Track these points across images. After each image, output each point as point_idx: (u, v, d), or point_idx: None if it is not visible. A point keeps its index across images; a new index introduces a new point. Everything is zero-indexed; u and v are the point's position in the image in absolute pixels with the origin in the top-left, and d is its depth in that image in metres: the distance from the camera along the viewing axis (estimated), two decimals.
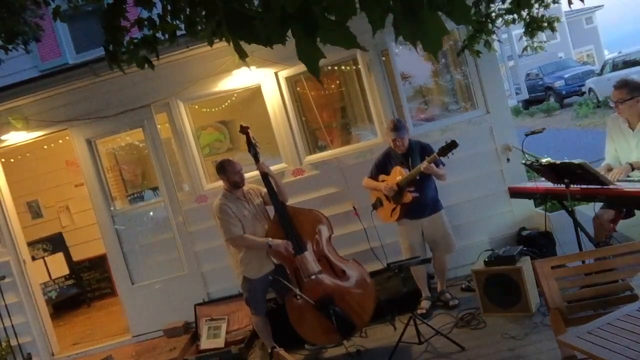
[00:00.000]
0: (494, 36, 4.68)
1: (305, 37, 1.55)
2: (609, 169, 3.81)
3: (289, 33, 1.63)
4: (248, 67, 4.67)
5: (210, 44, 2.96)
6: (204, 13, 2.58)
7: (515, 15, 4.41)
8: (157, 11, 3.00)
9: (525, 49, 4.67)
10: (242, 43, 1.85)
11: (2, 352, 5.22)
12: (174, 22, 2.96)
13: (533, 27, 4.41)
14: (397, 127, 4.24)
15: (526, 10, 4.30)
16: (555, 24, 4.40)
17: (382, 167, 4.42)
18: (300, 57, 1.60)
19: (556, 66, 20.48)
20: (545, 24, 4.36)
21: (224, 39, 2.59)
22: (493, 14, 4.48)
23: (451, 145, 3.95)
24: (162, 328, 5.28)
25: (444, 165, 4.26)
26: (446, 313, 4.34)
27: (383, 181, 4.36)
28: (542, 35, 4.58)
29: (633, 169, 3.65)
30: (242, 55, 1.92)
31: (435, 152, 4.05)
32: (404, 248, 4.41)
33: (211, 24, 2.61)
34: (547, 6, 4.28)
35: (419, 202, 4.22)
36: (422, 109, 5.80)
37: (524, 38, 4.55)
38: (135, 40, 3.11)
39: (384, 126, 4.92)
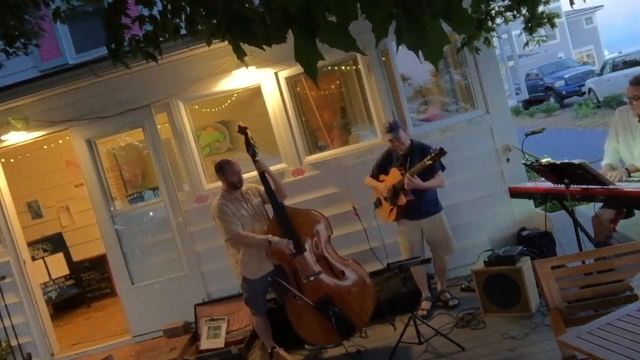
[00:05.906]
0: (493, 33, 4.67)
1: (305, 38, 1.55)
2: (612, 169, 3.81)
3: (289, 33, 1.62)
4: (247, 67, 4.67)
5: (209, 44, 2.96)
6: (204, 13, 2.59)
7: (515, 12, 4.41)
8: (158, 9, 3.01)
9: (526, 43, 4.65)
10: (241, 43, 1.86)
11: (2, 352, 5.22)
12: (175, 21, 2.97)
13: (532, 23, 4.41)
14: (391, 127, 4.22)
15: (525, 7, 4.29)
16: (555, 20, 4.39)
17: (383, 166, 4.43)
18: (298, 59, 1.59)
19: (556, 66, 20.52)
20: (545, 20, 4.36)
21: (223, 39, 2.60)
22: (493, 12, 4.47)
23: (439, 154, 3.91)
24: (162, 328, 5.28)
25: (443, 169, 4.24)
26: (446, 313, 4.34)
27: (382, 181, 4.36)
28: (542, 31, 4.58)
29: (629, 174, 3.65)
30: (241, 56, 1.92)
31: (425, 160, 3.99)
32: (403, 248, 4.42)
33: (210, 24, 2.61)
34: (547, 2, 4.27)
35: (415, 204, 4.22)
36: (422, 109, 5.80)
37: (524, 33, 4.55)
38: (138, 37, 3.13)
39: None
